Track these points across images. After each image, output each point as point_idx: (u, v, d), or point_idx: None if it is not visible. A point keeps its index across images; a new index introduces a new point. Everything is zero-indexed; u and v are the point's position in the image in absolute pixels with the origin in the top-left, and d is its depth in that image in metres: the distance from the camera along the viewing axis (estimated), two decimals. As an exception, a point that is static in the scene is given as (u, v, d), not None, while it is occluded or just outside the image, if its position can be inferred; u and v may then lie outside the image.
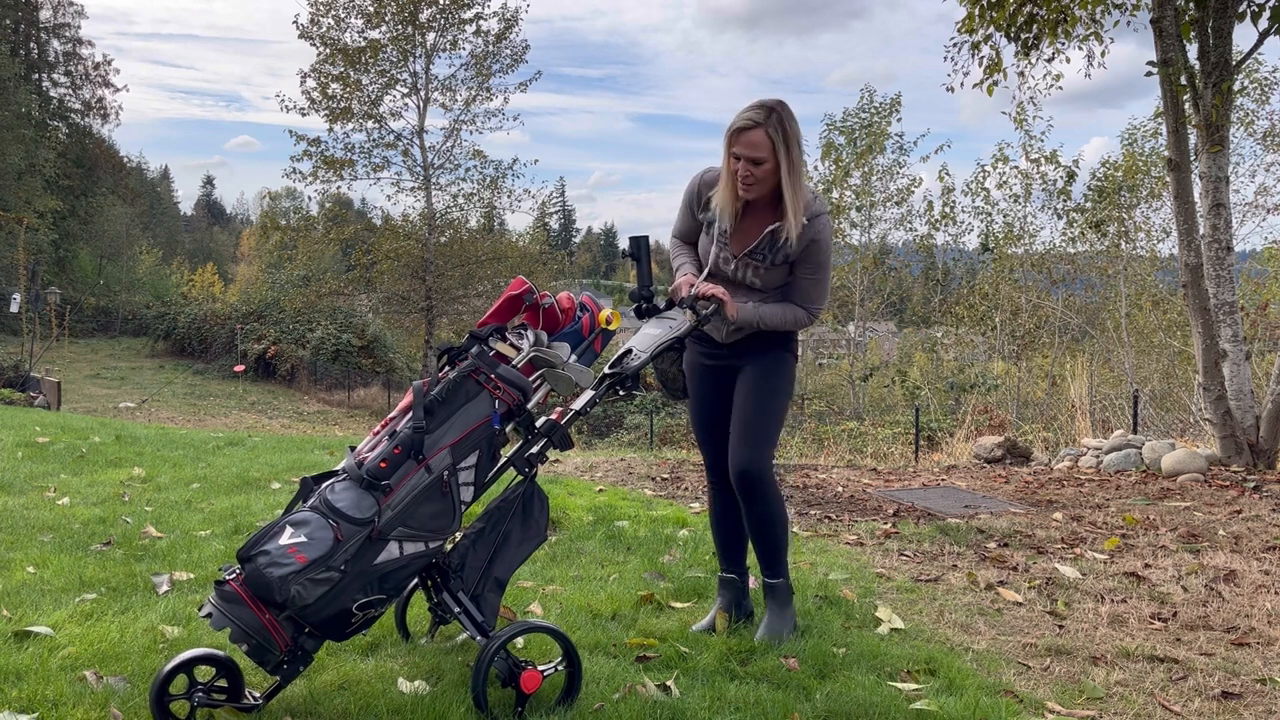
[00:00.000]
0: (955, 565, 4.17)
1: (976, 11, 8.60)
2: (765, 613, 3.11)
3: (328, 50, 27.43)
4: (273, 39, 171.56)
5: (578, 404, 2.71)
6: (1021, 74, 9.05)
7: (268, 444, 7.77)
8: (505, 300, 2.68)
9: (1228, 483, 6.34)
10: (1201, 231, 7.42)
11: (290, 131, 28.08)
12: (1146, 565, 4.20)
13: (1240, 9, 7.17)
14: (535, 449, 2.63)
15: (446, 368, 2.58)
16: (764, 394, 3.04)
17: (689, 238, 3.21)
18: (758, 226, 2.97)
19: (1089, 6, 8.42)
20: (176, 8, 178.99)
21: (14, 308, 26.12)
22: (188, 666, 2.33)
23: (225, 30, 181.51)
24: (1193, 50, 7.32)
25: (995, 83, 8.93)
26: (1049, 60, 8.92)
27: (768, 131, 2.78)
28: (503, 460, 2.60)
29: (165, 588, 3.39)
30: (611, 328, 2.80)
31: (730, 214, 2.97)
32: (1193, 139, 7.46)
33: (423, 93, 28.50)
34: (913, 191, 21.34)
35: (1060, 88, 11.78)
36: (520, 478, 2.62)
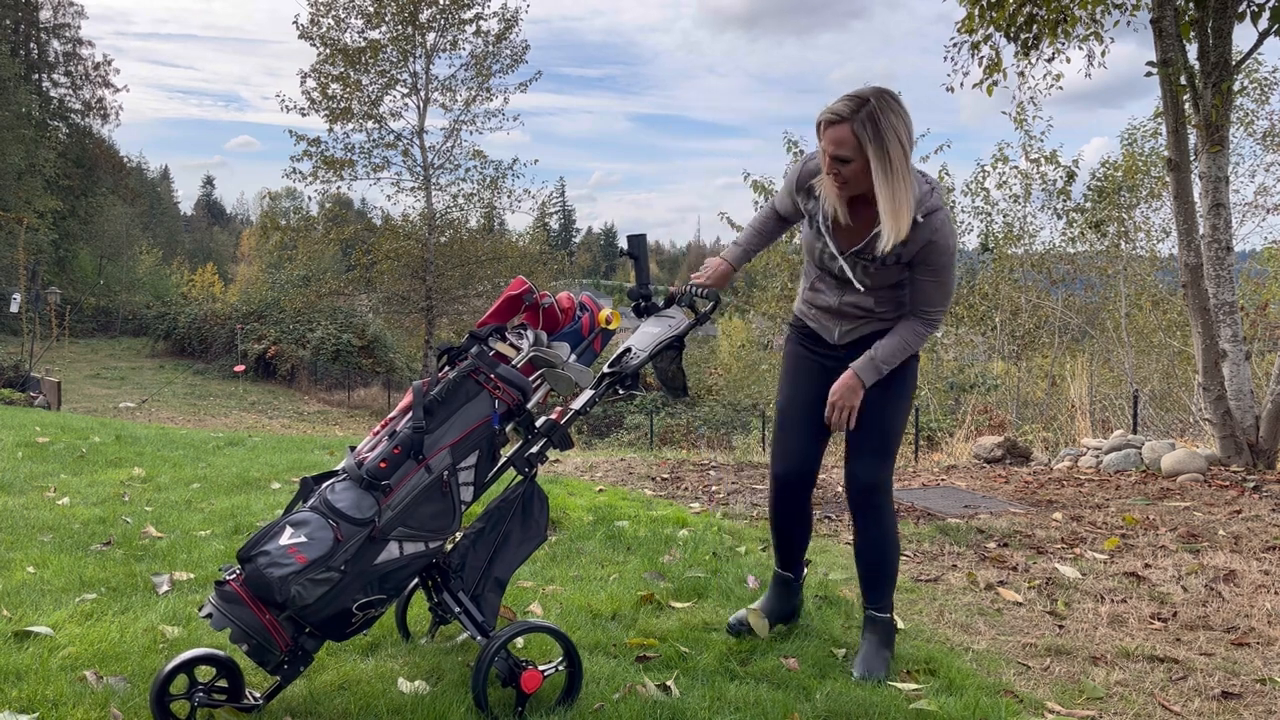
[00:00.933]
0: (955, 565, 4.17)
1: (976, 11, 8.60)
2: (862, 646, 2.87)
3: (328, 50, 27.45)
4: (271, 39, 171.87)
5: (577, 403, 2.71)
6: (1021, 74, 9.05)
7: (268, 444, 7.77)
8: (505, 300, 2.68)
9: (1228, 483, 6.34)
10: (1201, 231, 7.42)
11: (290, 131, 28.13)
12: (1146, 565, 4.20)
13: (1240, 9, 7.17)
14: (535, 449, 2.63)
15: (446, 368, 2.58)
16: (885, 400, 2.80)
17: (784, 210, 2.97)
18: (867, 223, 2.68)
19: (1089, 6, 8.42)
20: (175, 7, 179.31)
21: (14, 308, 26.12)
22: (188, 666, 2.33)
23: (224, 30, 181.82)
24: (1193, 50, 7.31)
25: (995, 83, 8.92)
26: (1049, 60, 8.92)
27: (854, 128, 2.49)
28: (503, 460, 2.60)
29: (165, 588, 3.39)
30: (611, 327, 2.80)
31: (837, 209, 2.68)
32: (1193, 139, 7.46)
33: (423, 93, 28.53)
34: (913, 191, 21.33)
35: (1060, 88, 11.77)
36: (520, 478, 2.62)
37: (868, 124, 2.48)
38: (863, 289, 2.76)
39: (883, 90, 2.53)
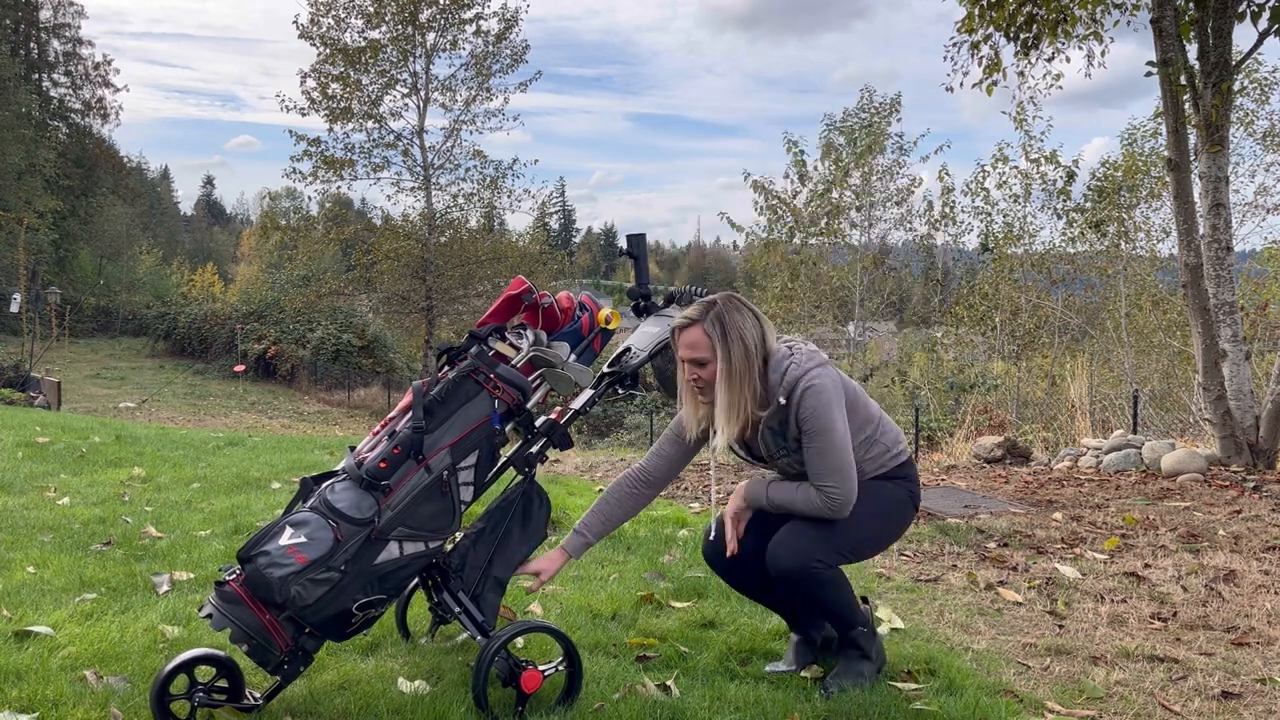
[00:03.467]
0: (955, 565, 4.17)
1: (976, 11, 8.60)
2: (838, 663, 2.78)
3: (328, 50, 27.44)
4: (268, 38, 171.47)
5: (577, 403, 2.71)
6: (1021, 74, 9.05)
7: (268, 444, 7.77)
8: (504, 300, 2.68)
9: (1227, 483, 6.34)
10: (1201, 231, 7.42)
11: (290, 131, 28.11)
12: (1146, 565, 4.20)
13: (1240, 9, 7.17)
14: (535, 448, 2.63)
15: (446, 368, 2.58)
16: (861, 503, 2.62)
17: (677, 447, 2.79)
18: (749, 423, 2.64)
19: (1089, 6, 8.42)
20: (170, 7, 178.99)
21: (14, 308, 26.13)
22: (188, 666, 2.33)
23: (220, 30, 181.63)
24: (1193, 50, 7.32)
25: (995, 83, 8.92)
26: (1049, 60, 8.92)
27: (704, 329, 2.54)
28: (503, 460, 2.60)
29: (165, 588, 3.39)
30: (611, 327, 2.80)
31: (700, 422, 2.66)
32: (1193, 139, 7.46)
33: (423, 93, 28.51)
34: (913, 191, 21.33)
35: (1060, 88, 11.78)
36: (520, 477, 2.62)
37: (716, 324, 2.55)
38: (802, 472, 2.66)
39: (731, 294, 2.63)
